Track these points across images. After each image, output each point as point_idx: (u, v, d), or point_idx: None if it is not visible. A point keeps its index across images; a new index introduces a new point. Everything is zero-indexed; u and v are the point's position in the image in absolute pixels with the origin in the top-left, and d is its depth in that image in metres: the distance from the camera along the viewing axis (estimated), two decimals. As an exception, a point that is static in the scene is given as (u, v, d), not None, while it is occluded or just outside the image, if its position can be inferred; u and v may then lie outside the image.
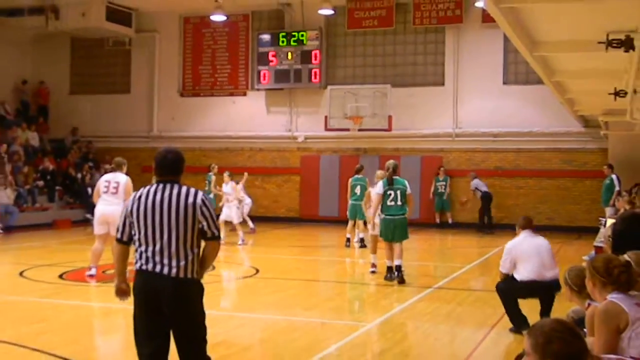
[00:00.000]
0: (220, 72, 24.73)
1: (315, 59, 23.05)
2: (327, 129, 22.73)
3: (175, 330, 4.75)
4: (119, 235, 4.91)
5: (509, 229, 10.07)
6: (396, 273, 11.29)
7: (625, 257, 4.51)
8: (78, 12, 22.67)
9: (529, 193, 21.52)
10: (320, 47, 23.08)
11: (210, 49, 24.80)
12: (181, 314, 4.71)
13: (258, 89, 24.02)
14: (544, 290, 7.75)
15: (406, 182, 11.59)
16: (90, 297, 10.38)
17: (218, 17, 22.67)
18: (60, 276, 11.84)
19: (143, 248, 4.74)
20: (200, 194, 4.80)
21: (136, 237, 4.79)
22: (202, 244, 4.83)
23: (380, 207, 11.42)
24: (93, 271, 11.26)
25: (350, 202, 15.97)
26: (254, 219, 19.82)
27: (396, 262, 11.35)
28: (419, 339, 7.88)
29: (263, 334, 8.29)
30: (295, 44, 23.20)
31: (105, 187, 11.21)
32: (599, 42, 8.12)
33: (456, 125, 22.41)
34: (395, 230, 11.38)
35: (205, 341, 4.84)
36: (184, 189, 4.80)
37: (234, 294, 11.39)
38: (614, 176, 18.38)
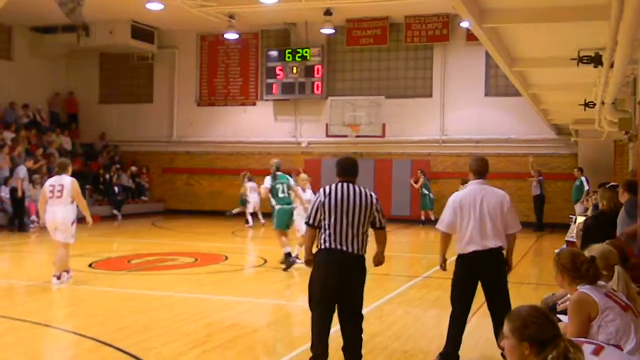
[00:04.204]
0: (233, 84, 24.71)
1: (318, 73, 23.04)
2: (327, 136, 22.76)
3: (347, 295, 5.48)
4: (311, 222, 5.57)
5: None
6: (290, 259, 11.50)
7: (587, 252, 4.46)
8: (106, 30, 22.68)
9: (507, 193, 21.39)
10: (322, 62, 23.07)
11: (224, 64, 24.79)
12: (357, 281, 5.50)
13: (266, 100, 23.99)
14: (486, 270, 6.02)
15: (289, 177, 11.93)
16: (116, 284, 10.37)
17: (231, 35, 22.67)
18: (90, 265, 11.85)
19: (331, 230, 5.42)
20: (374, 194, 5.59)
21: (325, 223, 5.44)
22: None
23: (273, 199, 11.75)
24: (65, 277, 9.93)
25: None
26: (264, 214, 19.83)
27: (288, 249, 11.58)
28: (409, 322, 7.86)
29: (270, 318, 8.28)
30: (299, 59, 23.19)
31: (50, 191, 9.80)
32: (571, 59, 8.11)
33: (442, 132, 22.40)
34: (289, 219, 11.72)
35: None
36: (362, 189, 5.57)
37: (244, 281, 11.37)
38: (583, 178, 18.39)
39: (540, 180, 20.16)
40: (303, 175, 12.64)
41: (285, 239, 11.60)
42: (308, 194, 12.28)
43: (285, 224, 11.69)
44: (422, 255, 15.58)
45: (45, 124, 23.76)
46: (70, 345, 6.47)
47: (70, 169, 10.15)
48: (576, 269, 4.06)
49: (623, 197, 7.49)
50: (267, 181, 11.74)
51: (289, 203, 11.67)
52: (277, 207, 11.62)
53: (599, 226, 7.13)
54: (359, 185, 5.60)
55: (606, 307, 3.81)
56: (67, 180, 9.83)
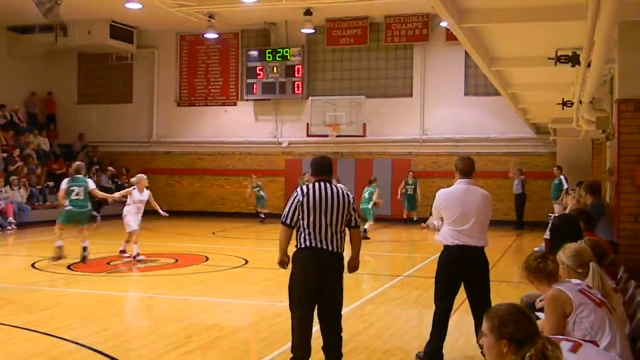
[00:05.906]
0: (213, 84, 24.63)
1: (298, 73, 23.04)
2: (308, 135, 22.77)
3: (328, 293, 5.58)
4: (288, 221, 5.55)
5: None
6: (85, 253, 11.88)
7: (561, 251, 4.52)
8: (84, 30, 22.51)
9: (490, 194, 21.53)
10: (303, 62, 23.07)
11: (204, 64, 24.69)
12: (337, 278, 5.62)
13: (247, 100, 23.94)
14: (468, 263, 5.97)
15: (88, 180, 12.41)
16: (95, 286, 10.28)
17: (211, 35, 22.61)
18: (69, 267, 11.73)
19: (310, 229, 5.46)
20: (350, 193, 5.70)
21: (303, 223, 5.47)
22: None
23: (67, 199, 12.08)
24: None
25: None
26: (250, 215, 19.77)
27: (60, 243, 11.92)
28: (391, 321, 7.88)
29: (251, 318, 8.25)
30: (280, 59, 23.17)
31: None
32: (549, 58, 8.18)
33: (423, 132, 22.50)
34: (81, 219, 12.17)
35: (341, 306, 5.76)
36: (339, 188, 5.63)
37: (225, 282, 11.33)
38: (562, 177, 18.57)
39: (522, 179, 20.36)
40: (139, 176, 13.14)
41: (61, 233, 11.99)
42: (145, 194, 12.98)
43: (69, 221, 12.12)
44: (403, 255, 15.63)
45: (22, 124, 23.50)
46: (48, 348, 6.40)
47: None
48: (536, 269, 4.18)
49: (587, 199, 7.53)
50: (64, 183, 12.25)
51: (81, 206, 12.07)
52: (68, 207, 12.03)
53: (566, 225, 7.18)
54: (335, 184, 5.66)
55: (580, 303, 3.87)
56: None
